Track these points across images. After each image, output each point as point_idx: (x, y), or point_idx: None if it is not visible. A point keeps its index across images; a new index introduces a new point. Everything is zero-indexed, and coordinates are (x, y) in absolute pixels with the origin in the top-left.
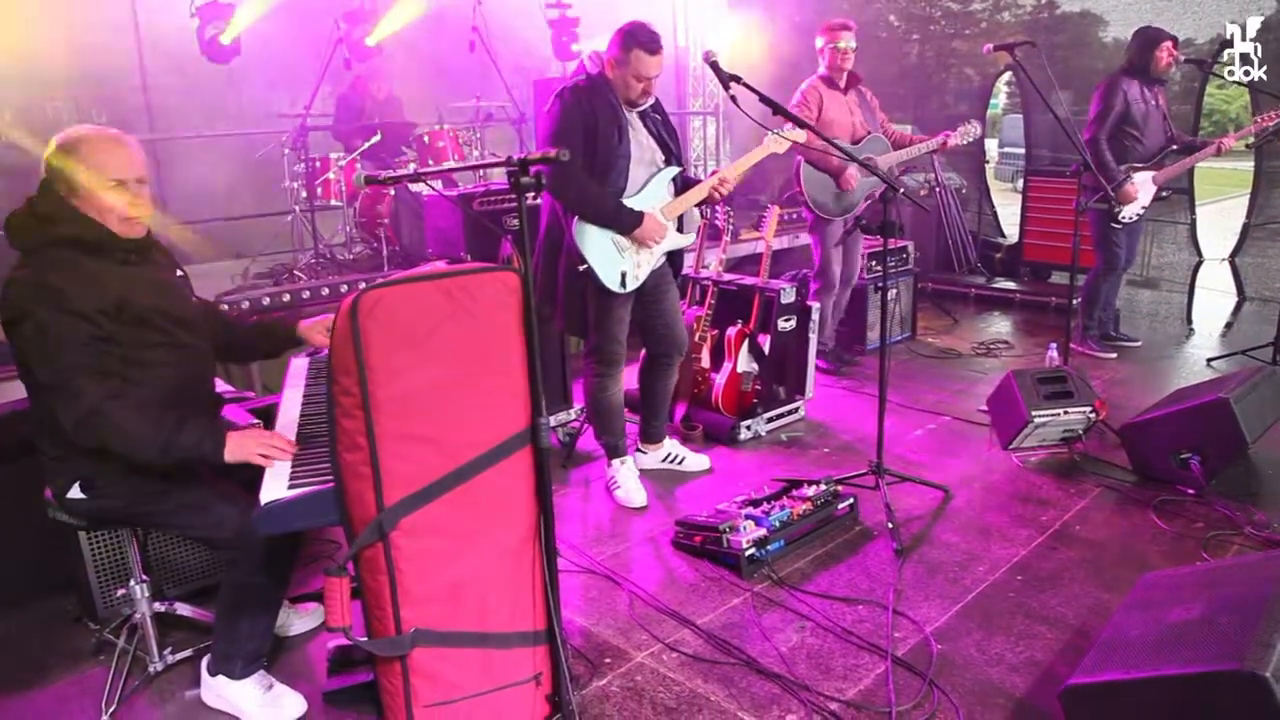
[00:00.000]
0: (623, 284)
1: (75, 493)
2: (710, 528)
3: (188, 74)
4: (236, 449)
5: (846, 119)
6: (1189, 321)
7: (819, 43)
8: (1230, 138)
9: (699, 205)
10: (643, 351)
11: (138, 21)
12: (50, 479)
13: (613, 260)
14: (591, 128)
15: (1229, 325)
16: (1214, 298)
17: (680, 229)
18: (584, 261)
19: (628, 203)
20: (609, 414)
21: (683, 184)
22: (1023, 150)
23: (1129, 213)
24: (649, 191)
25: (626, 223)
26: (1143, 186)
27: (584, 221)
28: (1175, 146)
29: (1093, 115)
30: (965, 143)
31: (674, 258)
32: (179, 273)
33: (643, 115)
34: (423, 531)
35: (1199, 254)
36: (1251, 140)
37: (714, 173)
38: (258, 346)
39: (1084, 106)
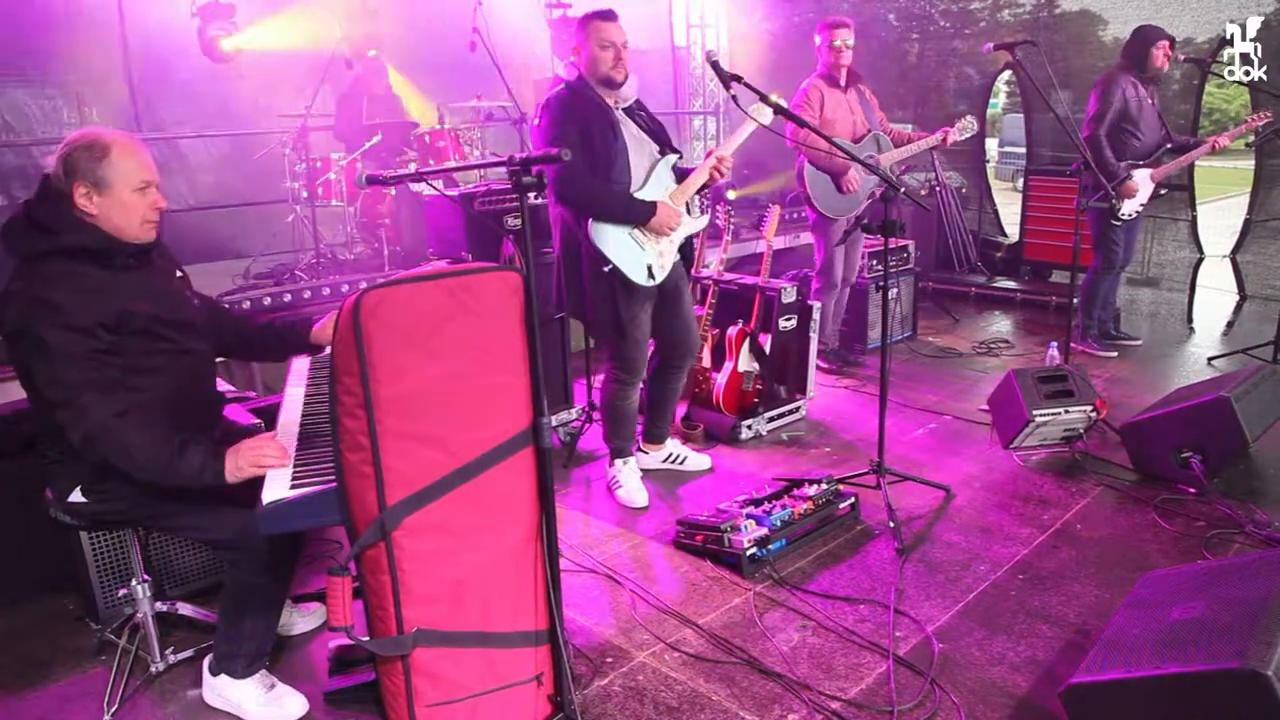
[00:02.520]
0: (650, 276)
1: (76, 496)
2: (712, 527)
3: (188, 73)
4: (234, 471)
5: (847, 117)
6: (1189, 320)
7: (817, 40)
8: (1225, 136)
9: (701, 190)
10: (650, 353)
11: (125, 18)
12: (52, 481)
13: (636, 255)
14: (585, 128)
15: (1230, 324)
16: (1215, 296)
17: (688, 213)
18: (608, 262)
19: (637, 195)
20: (625, 420)
21: (680, 173)
22: (1023, 149)
23: (1129, 209)
24: (655, 181)
25: (641, 215)
26: (1142, 183)
27: (599, 221)
28: (1170, 145)
29: (1091, 112)
30: (963, 138)
31: (685, 254)
32: (179, 273)
33: (629, 112)
34: (425, 531)
35: (1200, 250)
36: (1251, 139)
37: (710, 153)
38: (270, 348)
39: (1084, 105)
